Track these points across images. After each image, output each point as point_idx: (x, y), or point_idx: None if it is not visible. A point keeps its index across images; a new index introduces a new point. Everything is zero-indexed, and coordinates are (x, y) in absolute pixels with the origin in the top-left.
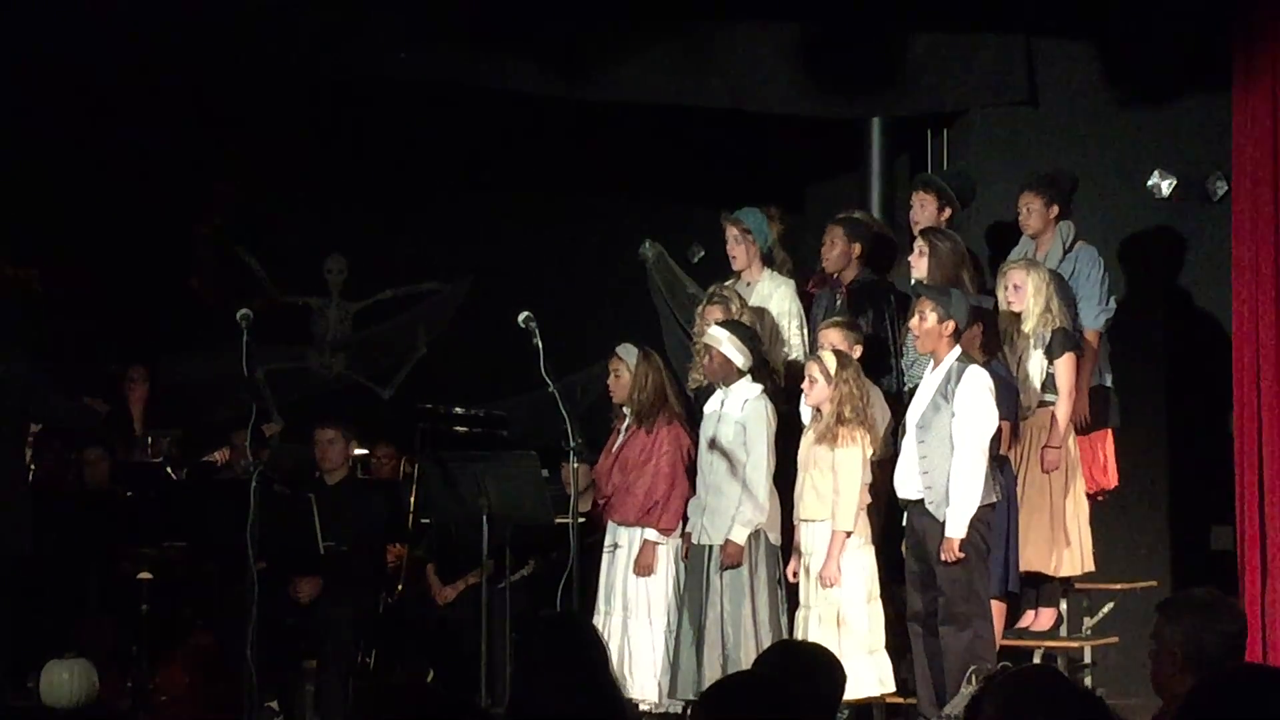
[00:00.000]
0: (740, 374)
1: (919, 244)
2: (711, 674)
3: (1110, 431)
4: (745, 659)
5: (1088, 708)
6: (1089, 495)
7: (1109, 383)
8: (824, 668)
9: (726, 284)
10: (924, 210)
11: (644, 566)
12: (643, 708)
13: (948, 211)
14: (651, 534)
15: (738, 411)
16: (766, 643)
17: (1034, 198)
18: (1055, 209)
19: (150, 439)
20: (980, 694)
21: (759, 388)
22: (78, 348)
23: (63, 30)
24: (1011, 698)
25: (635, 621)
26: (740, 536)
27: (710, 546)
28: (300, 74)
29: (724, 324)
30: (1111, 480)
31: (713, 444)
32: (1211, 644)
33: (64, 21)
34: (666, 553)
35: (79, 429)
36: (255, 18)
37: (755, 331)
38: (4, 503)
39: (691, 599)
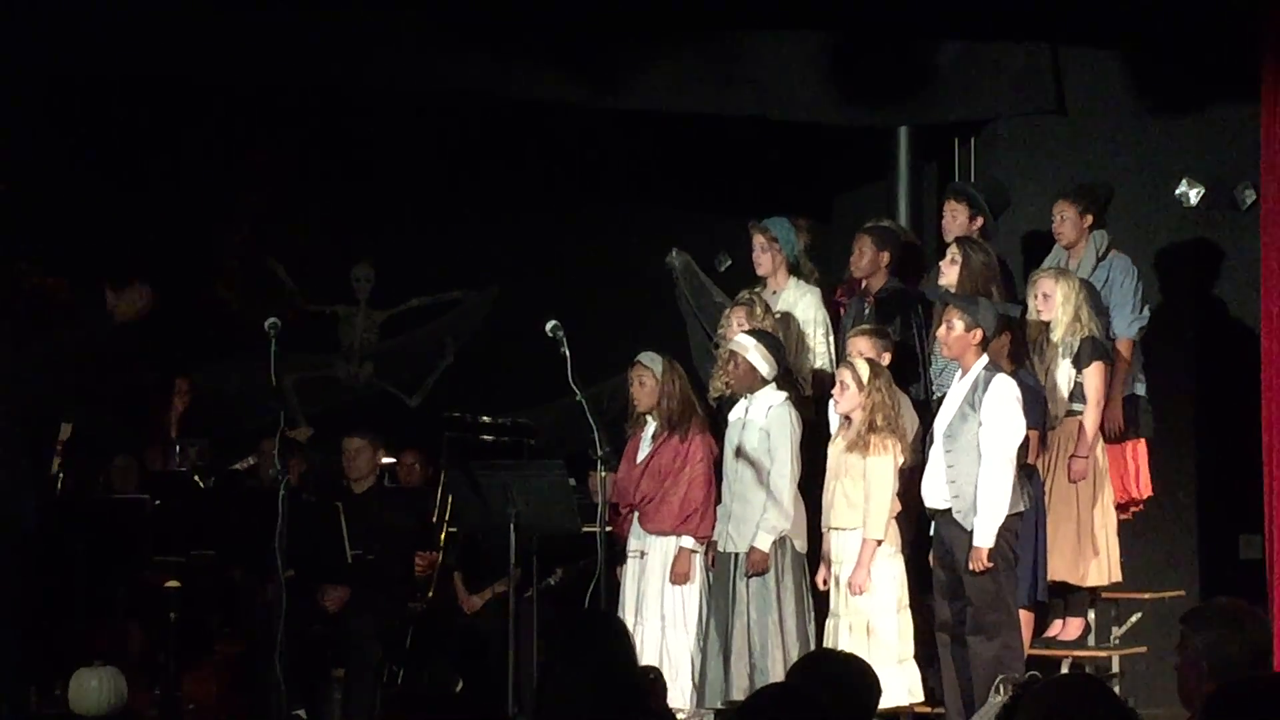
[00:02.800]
0: (765, 382)
1: (952, 251)
2: (739, 683)
3: (1143, 441)
4: (772, 668)
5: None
6: (1122, 505)
7: (1142, 392)
8: (858, 678)
9: (756, 290)
10: (955, 220)
11: (680, 575)
12: (680, 717)
13: (979, 221)
14: (688, 541)
15: (761, 419)
16: (794, 651)
17: (1068, 206)
18: (1089, 218)
19: (179, 447)
20: (1017, 701)
21: (783, 395)
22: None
23: (91, 43)
24: (1051, 706)
25: (674, 631)
26: (765, 544)
27: (736, 554)
28: (328, 85)
29: (750, 332)
30: (1144, 490)
31: (738, 452)
32: (1236, 654)
33: (93, 34)
34: (699, 560)
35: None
36: (284, 30)
37: (780, 340)
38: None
39: (718, 608)
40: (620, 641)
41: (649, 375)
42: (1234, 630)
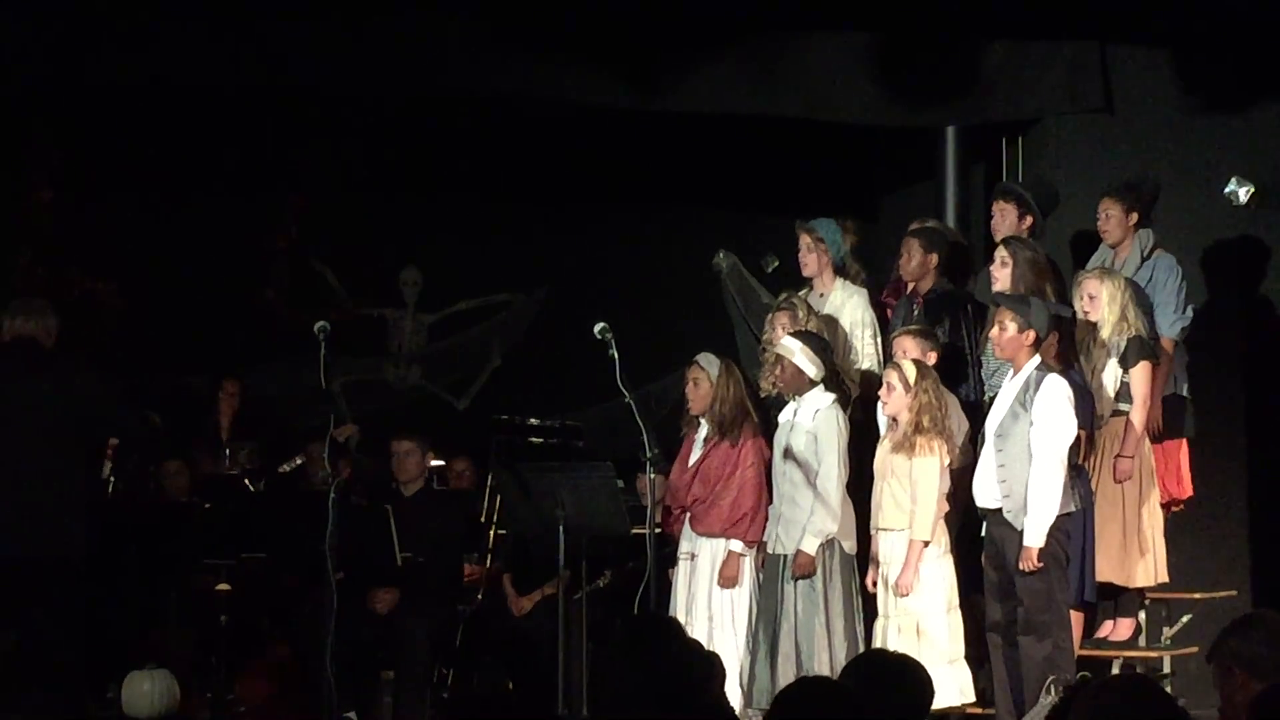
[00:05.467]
0: (812, 384)
1: (1001, 253)
2: (786, 685)
3: (1185, 441)
4: (819, 669)
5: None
6: (1163, 505)
7: (1185, 392)
8: (912, 678)
9: (799, 293)
10: (1004, 219)
11: (728, 578)
12: None
13: (1028, 220)
14: (737, 545)
15: (809, 421)
16: (841, 653)
17: (1113, 204)
18: (1134, 216)
19: (229, 451)
20: (1069, 702)
21: (830, 397)
22: (155, 361)
23: (138, 50)
24: (1103, 707)
25: (721, 632)
26: (811, 546)
27: (784, 556)
28: (375, 89)
29: (796, 334)
30: (1186, 490)
31: (787, 454)
32: (1272, 656)
33: (139, 42)
34: (749, 563)
35: (136, 441)
36: (330, 36)
37: (827, 341)
38: (61, 507)
39: (766, 609)
40: (676, 641)
41: (704, 378)
42: (1259, 632)
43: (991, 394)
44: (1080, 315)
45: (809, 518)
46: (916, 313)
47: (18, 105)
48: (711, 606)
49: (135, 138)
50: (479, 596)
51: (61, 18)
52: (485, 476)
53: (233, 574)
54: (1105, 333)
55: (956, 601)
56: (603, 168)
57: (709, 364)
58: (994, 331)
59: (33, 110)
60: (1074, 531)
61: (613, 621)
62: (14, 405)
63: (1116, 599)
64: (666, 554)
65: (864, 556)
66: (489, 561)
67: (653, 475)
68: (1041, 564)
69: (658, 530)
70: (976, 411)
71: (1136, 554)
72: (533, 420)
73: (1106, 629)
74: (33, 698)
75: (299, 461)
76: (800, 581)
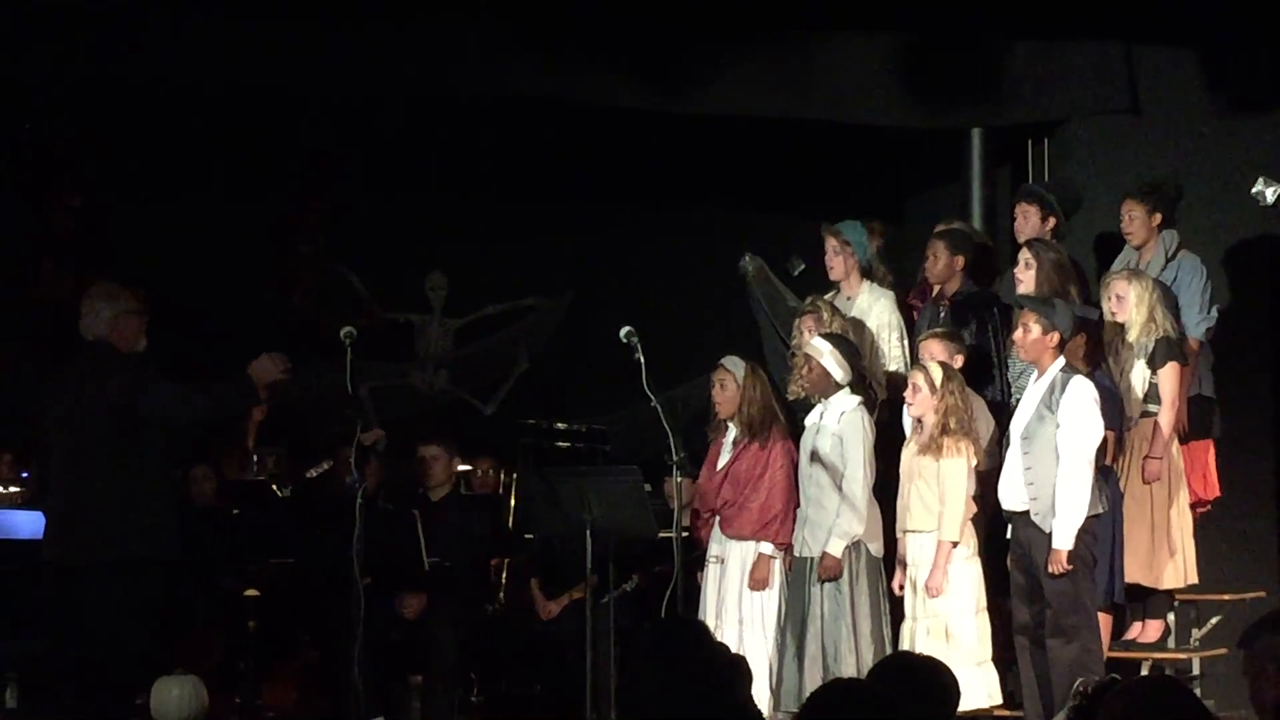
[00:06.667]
0: (839, 387)
1: (1024, 256)
2: (813, 687)
3: (1212, 442)
4: (846, 671)
5: None
6: (1190, 506)
7: (1210, 392)
8: (938, 680)
9: (825, 296)
10: (1027, 222)
11: (759, 580)
12: None
13: (1051, 222)
14: (767, 547)
15: (835, 424)
16: (868, 655)
17: (1136, 205)
18: (1158, 217)
19: (256, 456)
20: (1095, 703)
21: (856, 399)
22: (181, 367)
23: (164, 53)
24: (1131, 708)
25: (752, 635)
26: (837, 549)
27: (811, 559)
28: (401, 92)
29: (825, 336)
30: (1213, 491)
31: (813, 456)
32: None
33: (165, 45)
34: (779, 565)
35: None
36: (355, 39)
37: (854, 344)
38: (148, 509)
39: (793, 612)
40: (702, 644)
41: (730, 380)
42: None
43: (1018, 396)
44: (1108, 316)
45: (835, 520)
46: (943, 315)
47: (45, 111)
48: (742, 609)
49: (161, 144)
50: (500, 596)
51: (81, 19)
52: (510, 478)
53: (261, 579)
54: (1133, 334)
55: (985, 603)
56: (628, 171)
57: (734, 366)
58: (1017, 334)
59: (59, 116)
60: (1102, 533)
61: (640, 625)
62: (75, 408)
63: (1145, 601)
64: (694, 558)
65: (890, 559)
66: (505, 565)
67: (679, 479)
68: (1070, 566)
69: (684, 534)
70: (1003, 413)
71: (1165, 555)
72: (559, 424)
73: (1135, 631)
74: (67, 703)
75: (326, 466)
76: (827, 584)
